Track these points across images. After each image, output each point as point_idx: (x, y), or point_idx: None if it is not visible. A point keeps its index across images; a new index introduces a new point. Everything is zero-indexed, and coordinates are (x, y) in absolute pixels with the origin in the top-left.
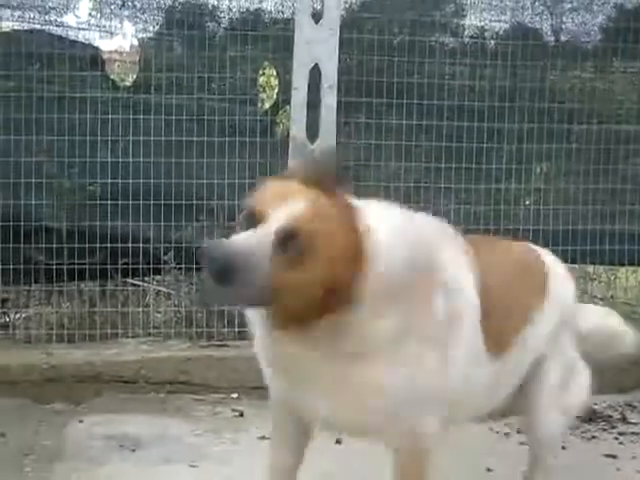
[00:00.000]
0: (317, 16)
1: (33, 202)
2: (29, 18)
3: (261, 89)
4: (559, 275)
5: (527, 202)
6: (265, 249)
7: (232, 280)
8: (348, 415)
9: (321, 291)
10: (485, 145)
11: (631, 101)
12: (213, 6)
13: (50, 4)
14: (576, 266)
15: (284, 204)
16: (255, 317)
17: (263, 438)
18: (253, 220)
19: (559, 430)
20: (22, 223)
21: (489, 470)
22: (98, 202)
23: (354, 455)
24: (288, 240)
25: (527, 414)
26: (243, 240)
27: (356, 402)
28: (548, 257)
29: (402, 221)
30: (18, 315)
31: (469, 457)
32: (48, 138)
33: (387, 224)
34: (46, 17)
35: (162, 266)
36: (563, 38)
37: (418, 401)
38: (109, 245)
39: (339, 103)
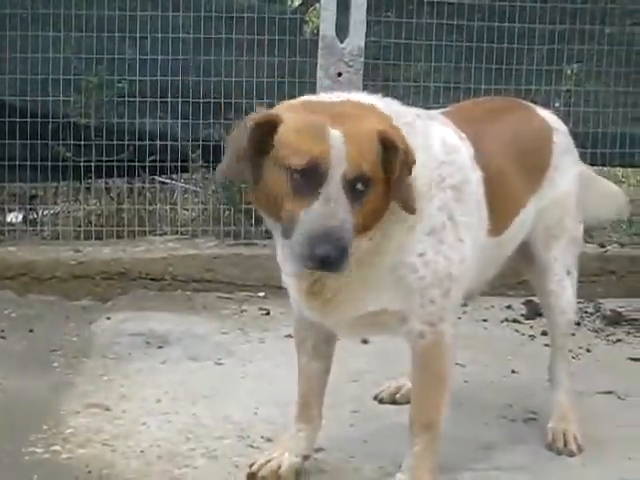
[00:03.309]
0: None
1: (61, 98)
2: None
3: None
4: (562, 146)
5: (557, 104)
6: (348, 211)
7: (345, 264)
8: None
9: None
10: (516, 45)
11: None
12: None
13: None
14: (605, 168)
15: (335, 147)
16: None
17: (289, 336)
18: (316, 176)
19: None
20: (50, 120)
21: (514, 372)
22: (126, 99)
23: (381, 354)
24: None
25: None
26: (343, 221)
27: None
28: (553, 124)
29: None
30: (46, 212)
31: (494, 359)
32: (76, 34)
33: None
34: None
35: (190, 164)
36: None
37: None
38: (137, 143)
39: (369, 2)
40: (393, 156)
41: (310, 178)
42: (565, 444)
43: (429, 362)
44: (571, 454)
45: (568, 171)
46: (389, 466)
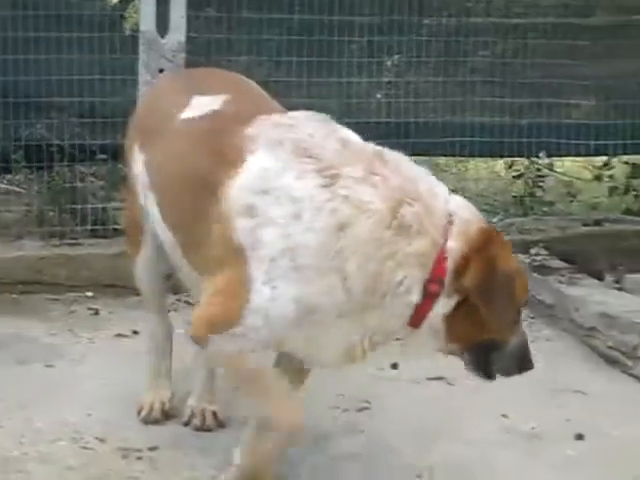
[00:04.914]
0: None
1: None
2: None
3: None
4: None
5: (378, 95)
6: None
7: None
8: None
9: None
10: (336, 38)
11: None
12: None
13: None
14: (427, 158)
15: None
16: None
17: (120, 336)
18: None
19: None
20: None
21: None
22: None
23: None
24: None
25: None
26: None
27: None
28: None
29: None
30: None
31: None
32: None
33: None
34: None
35: (12, 165)
36: None
37: None
38: None
39: None
40: None
41: None
42: (204, 421)
43: None
44: (209, 429)
45: None
46: (223, 461)
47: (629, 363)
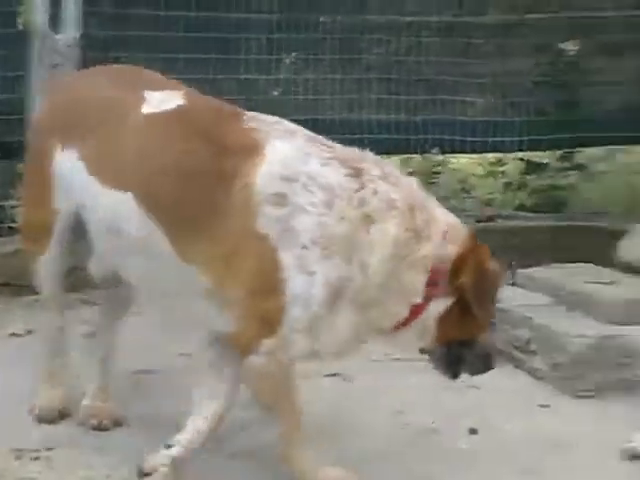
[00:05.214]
0: None
1: None
2: None
3: None
4: None
5: (275, 92)
6: None
7: None
8: None
9: None
10: (233, 35)
11: None
12: None
13: None
14: None
15: None
16: None
17: (13, 335)
18: None
19: None
20: None
21: None
22: None
23: None
24: None
25: None
26: None
27: None
28: None
29: None
30: None
31: None
32: None
33: None
34: None
35: None
36: None
37: None
38: None
39: None
40: None
41: None
42: (100, 420)
43: None
44: (105, 429)
45: None
46: (119, 459)
47: (522, 357)
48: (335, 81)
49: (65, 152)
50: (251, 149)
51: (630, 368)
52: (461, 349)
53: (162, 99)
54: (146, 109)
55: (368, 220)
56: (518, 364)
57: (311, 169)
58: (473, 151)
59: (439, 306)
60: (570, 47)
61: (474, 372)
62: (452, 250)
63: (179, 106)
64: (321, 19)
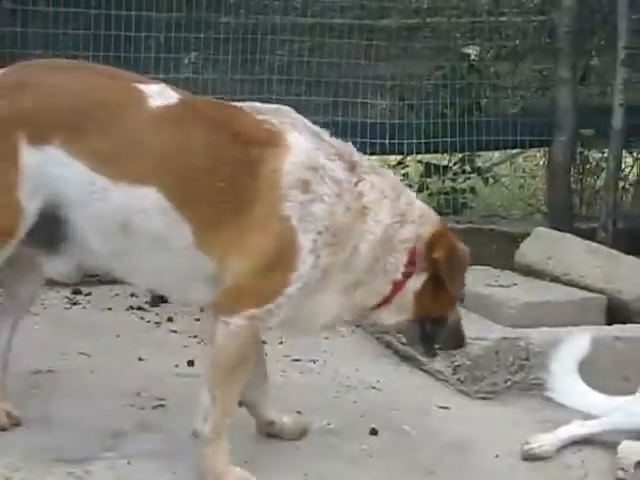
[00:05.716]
0: None
1: None
2: None
3: None
4: None
5: None
6: None
7: None
8: None
9: None
10: (133, 34)
11: None
12: None
13: None
14: None
15: None
16: None
17: None
18: None
19: None
20: None
21: (141, 359)
22: None
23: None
24: None
25: None
26: None
27: None
28: None
29: None
30: None
31: (121, 347)
32: None
33: None
34: None
35: None
36: None
37: None
38: None
39: None
40: None
41: None
42: None
43: None
44: (4, 429)
45: None
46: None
47: (422, 359)
48: (235, 81)
49: (39, 148)
50: (273, 139)
51: (529, 370)
52: (434, 327)
53: (160, 92)
54: (154, 102)
55: (365, 211)
56: (419, 365)
57: (322, 162)
58: (373, 153)
59: (416, 283)
60: (471, 51)
61: (447, 348)
62: (427, 230)
63: (183, 99)
64: (223, 19)
